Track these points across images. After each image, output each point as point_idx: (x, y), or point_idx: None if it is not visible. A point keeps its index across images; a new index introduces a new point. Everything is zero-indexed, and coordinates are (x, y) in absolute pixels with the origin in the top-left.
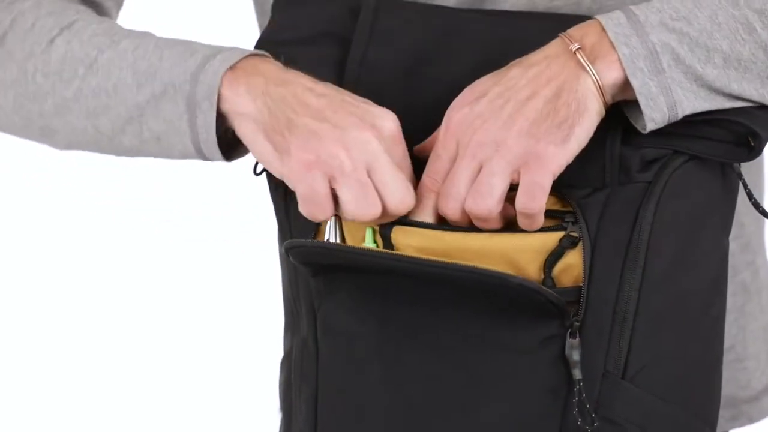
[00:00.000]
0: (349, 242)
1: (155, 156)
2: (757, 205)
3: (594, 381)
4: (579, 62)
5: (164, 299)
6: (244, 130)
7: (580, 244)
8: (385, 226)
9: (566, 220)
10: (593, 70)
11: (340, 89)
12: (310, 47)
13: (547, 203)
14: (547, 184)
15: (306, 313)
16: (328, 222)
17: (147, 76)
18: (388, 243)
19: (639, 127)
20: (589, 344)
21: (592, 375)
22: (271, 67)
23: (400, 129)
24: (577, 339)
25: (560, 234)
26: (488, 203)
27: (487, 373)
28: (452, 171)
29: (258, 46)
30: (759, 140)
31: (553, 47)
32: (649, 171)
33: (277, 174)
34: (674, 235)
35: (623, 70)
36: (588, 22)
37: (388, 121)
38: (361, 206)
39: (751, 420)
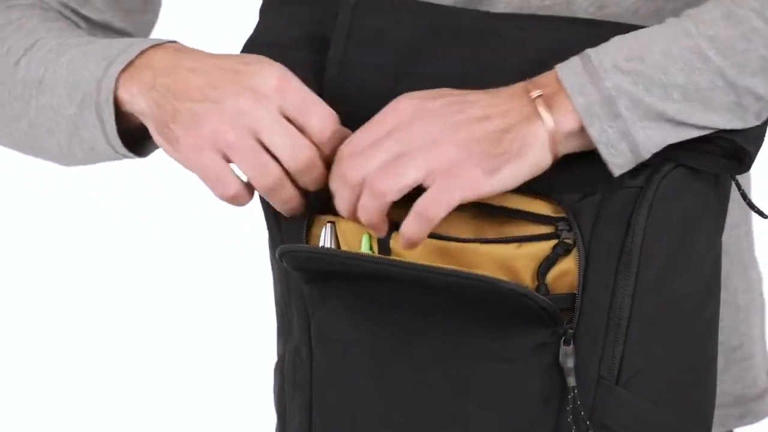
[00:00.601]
0: (344, 248)
1: (107, 162)
2: (752, 206)
3: (588, 387)
4: (535, 110)
5: (161, 300)
6: (148, 128)
7: (574, 250)
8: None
9: (560, 227)
10: (549, 120)
11: (231, 56)
12: (294, 50)
13: (538, 209)
14: (455, 203)
15: (299, 321)
16: (323, 229)
17: (73, 87)
18: (386, 250)
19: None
20: (583, 351)
21: (586, 381)
22: (162, 57)
23: (285, 76)
24: (571, 346)
25: (554, 241)
26: (392, 184)
27: (480, 380)
28: (375, 142)
29: (245, 48)
30: (749, 156)
31: (517, 88)
32: (639, 176)
33: (180, 164)
34: (667, 239)
35: (580, 119)
36: (549, 72)
37: (267, 76)
38: (258, 174)
39: (757, 418)
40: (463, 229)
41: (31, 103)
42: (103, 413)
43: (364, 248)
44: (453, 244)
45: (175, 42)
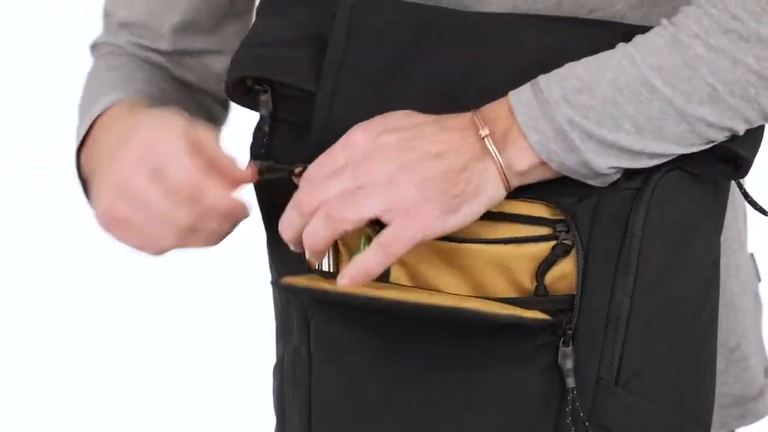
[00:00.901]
0: (344, 249)
1: None
2: (754, 204)
3: (587, 388)
4: (486, 148)
5: (159, 301)
6: None
7: (572, 252)
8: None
9: (558, 229)
10: (500, 159)
11: (135, 123)
12: (290, 49)
13: (536, 212)
14: (415, 241)
15: (298, 322)
16: None
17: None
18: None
19: None
20: (581, 352)
21: (586, 382)
22: (99, 128)
23: (147, 146)
24: (570, 348)
25: (553, 242)
26: (350, 213)
27: (479, 382)
28: (331, 174)
29: (241, 46)
30: (745, 162)
31: (465, 122)
32: (636, 178)
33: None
34: (665, 240)
35: (537, 155)
36: (500, 101)
37: (127, 151)
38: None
39: (757, 417)
40: (464, 231)
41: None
42: (102, 414)
43: (363, 248)
44: (452, 244)
45: (114, 107)
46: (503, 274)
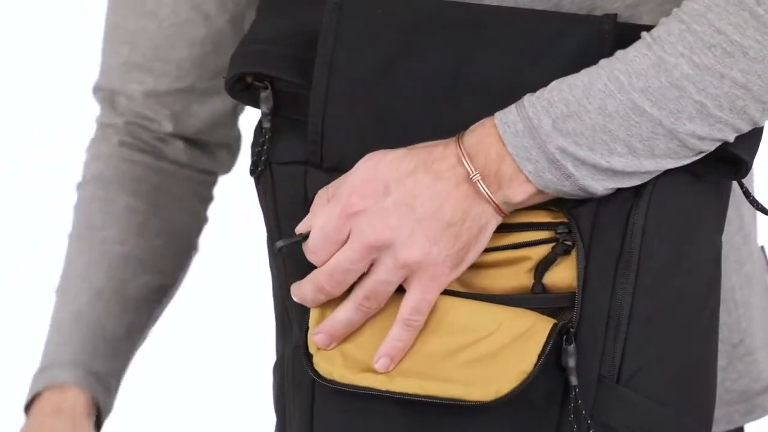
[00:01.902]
0: None
1: None
2: (755, 203)
3: (589, 386)
4: (479, 191)
5: None
6: None
7: (573, 250)
8: None
9: (559, 231)
10: (495, 200)
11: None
12: (290, 46)
13: (538, 218)
14: (433, 300)
15: (299, 321)
16: None
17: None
18: None
19: None
20: (583, 350)
21: (588, 380)
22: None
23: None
24: (572, 346)
25: (554, 244)
26: (378, 304)
27: None
28: (342, 257)
29: (240, 45)
30: (744, 163)
31: (455, 161)
32: None
33: None
34: (666, 238)
35: (534, 185)
36: (485, 127)
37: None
38: None
39: (765, 412)
40: None
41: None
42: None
43: None
44: None
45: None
46: (504, 275)
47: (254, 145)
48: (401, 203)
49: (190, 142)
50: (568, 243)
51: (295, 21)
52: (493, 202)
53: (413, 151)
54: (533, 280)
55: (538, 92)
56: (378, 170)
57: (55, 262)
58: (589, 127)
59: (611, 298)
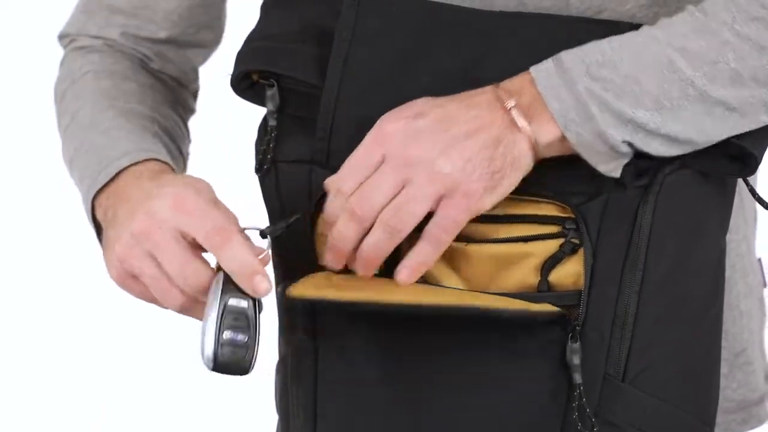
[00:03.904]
0: None
1: None
2: (761, 201)
3: (594, 384)
4: (513, 120)
5: None
6: None
7: (581, 249)
8: None
9: (567, 227)
10: (528, 129)
11: (155, 185)
12: (296, 44)
13: (546, 211)
14: (464, 223)
15: (303, 318)
16: None
17: (79, 180)
18: (397, 250)
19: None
20: (589, 348)
21: (593, 378)
22: (122, 182)
23: (181, 198)
24: (577, 343)
25: (561, 240)
26: (408, 221)
27: (487, 375)
28: (375, 176)
29: (246, 42)
30: (754, 159)
31: (489, 96)
32: (643, 177)
33: None
34: (673, 236)
35: (558, 126)
36: (522, 75)
37: (165, 199)
38: (161, 298)
39: (760, 421)
40: (472, 232)
41: (70, 173)
42: (102, 414)
43: None
44: (460, 245)
45: (152, 160)
46: (510, 272)
47: (259, 143)
48: (434, 123)
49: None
50: (576, 241)
51: (300, 17)
52: (527, 131)
53: (443, 97)
54: (539, 278)
55: (576, 47)
56: (412, 104)
57: (56, 260)
58: (621, 76)
59: (618, 297)
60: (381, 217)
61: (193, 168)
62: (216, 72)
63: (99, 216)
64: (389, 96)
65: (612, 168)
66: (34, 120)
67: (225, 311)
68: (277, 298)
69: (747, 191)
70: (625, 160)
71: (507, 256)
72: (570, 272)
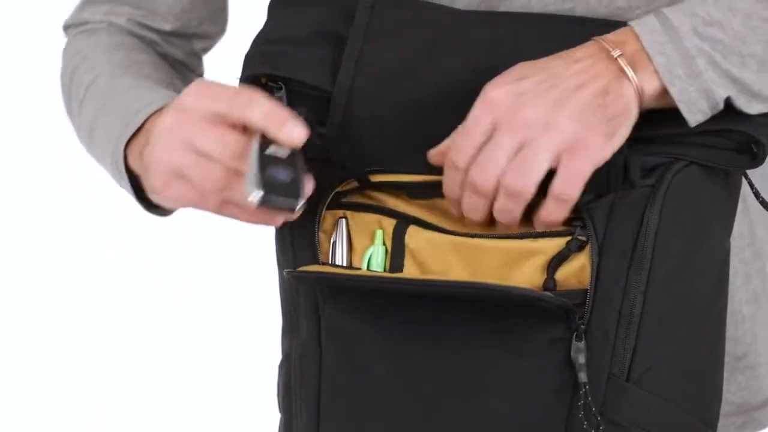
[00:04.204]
0: (357, 243)
1: None
2: (765, 204)
3: (599, 383)
4: (621, 68)
5: (162, 301)
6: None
7: (587, 247)
8: (399, 227)
9: (574, 224)
10: (635, 78)
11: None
12: (304, 47)
13: None
14: (589, 174)
15: (307, 317)
16: (335, 225)
17: (105, 144)
18: (400, 243)
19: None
20: (594, 347)
21: (598, 377)
22: (158, 121)
23: (201, 87)
24: (582, 342)
25: (568, 238)
26: (530, 179)
27: (492, 374)
28: (489, 145)
29: (253, 44)
30: (762, 148)
31: (592, 49)
32: (651, 176)
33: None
34: (679, 236)
35: (661, 79)
36: (622, 30)
37: (188, 94)
38: (203, 180)
39: (762, 426)
40: (477, 228)
41: (90, 145)
42: (104, 414)
43: (378, 242)
44: (465, 239)
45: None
46: (515, 271)
47: None
48: (540, 82)
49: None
50: (582, 238)
51: (308, 20)
52: (633, 80)
53: (542, 58)
54: (545, 276)
55: (676, 6)
56: (512, 69)
57: (54, 262)
58: (730, 36)
59: (623, 296)
60: (502, 181)
61: None
62: (224, 74)
63: (133, 164)
64: (400, 97)
65: (699, 119)
66: (35, 120)
67: (265, 158)
68: (281, 287)
69: (753, 198)
70: (717, 112)
71: (516, 252)
72: (576, 271)
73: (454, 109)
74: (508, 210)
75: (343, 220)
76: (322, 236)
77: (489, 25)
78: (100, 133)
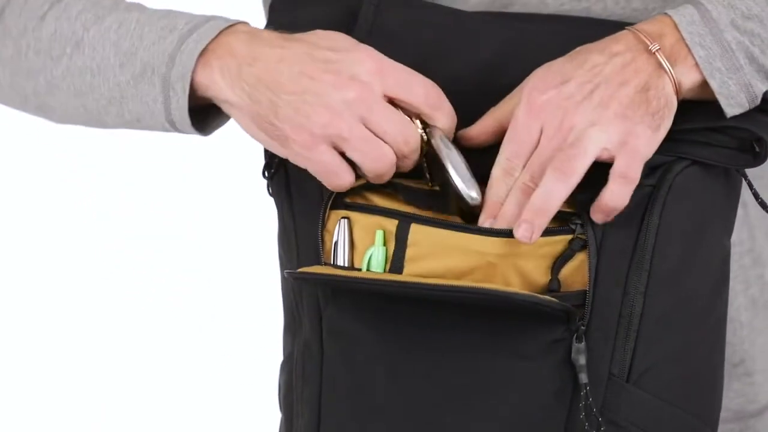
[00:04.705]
0: (359, 243)
1: (139, 130)
2: (764, 205)
3: (599, 384)
4: (659, 63)
5: (163, 301)
6: (236, 118)
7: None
8: (401, 227)
9: (574, 222)
10: (673, 73)
11: (311, 41)
12: None
13: None
14: (646, 157)
15: (309, 315)
16: (336, 224)
17: (128, 55)
18: (402, 242)
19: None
20: (594, 348)
21: (598, 378)
22: (241, 43)
23: (378, 57)
24: (583, 343)
25: (568, 237)
26: (581, 162)
27: (492, 376)
28: (541, 146)
29: None
30: (765, 146)
31: (629, 41)
32: (653, 176)
33: (288, 159)
34: (679, 237)
35: (701, 72)
36: (660, 18)
37: (364, 63)
38: (373, 161)
39: None
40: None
41: (61, 61)
42: (104, 414)
43: (378, 243)
44: (467, 235)
45: (241, 23)
46: (516, 271)
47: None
48: (583, 84)
49: None
50: (584, 237)
51: (309, 21)
52: (672, 74)
53: (580, 50)
54: (549, 277)
55: None
56: (550, 69)
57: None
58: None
59: (623, 296)
60: (550, 165)
61: (198, 169)
62: None
63: (203, 79)
64: None
65: (736, 113)
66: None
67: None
68: (283, 286)
69: (753, 205)
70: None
71: (513, 253)
72: (577, 271)
73: (457, 109)
74: (549, 192)
75: (345, 220)
76: (325, 236)
77: (494, 26)
78: (107, 44)
